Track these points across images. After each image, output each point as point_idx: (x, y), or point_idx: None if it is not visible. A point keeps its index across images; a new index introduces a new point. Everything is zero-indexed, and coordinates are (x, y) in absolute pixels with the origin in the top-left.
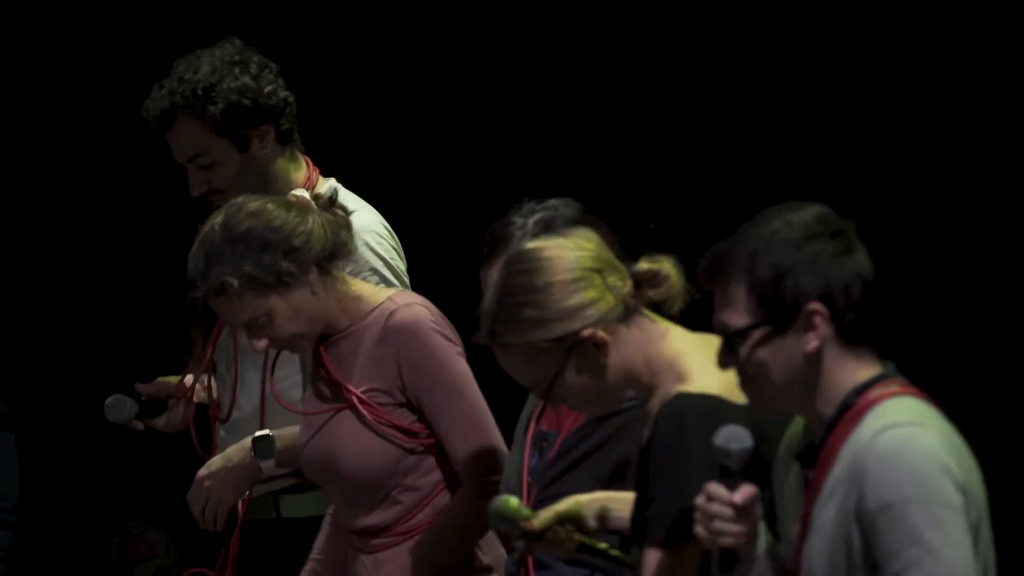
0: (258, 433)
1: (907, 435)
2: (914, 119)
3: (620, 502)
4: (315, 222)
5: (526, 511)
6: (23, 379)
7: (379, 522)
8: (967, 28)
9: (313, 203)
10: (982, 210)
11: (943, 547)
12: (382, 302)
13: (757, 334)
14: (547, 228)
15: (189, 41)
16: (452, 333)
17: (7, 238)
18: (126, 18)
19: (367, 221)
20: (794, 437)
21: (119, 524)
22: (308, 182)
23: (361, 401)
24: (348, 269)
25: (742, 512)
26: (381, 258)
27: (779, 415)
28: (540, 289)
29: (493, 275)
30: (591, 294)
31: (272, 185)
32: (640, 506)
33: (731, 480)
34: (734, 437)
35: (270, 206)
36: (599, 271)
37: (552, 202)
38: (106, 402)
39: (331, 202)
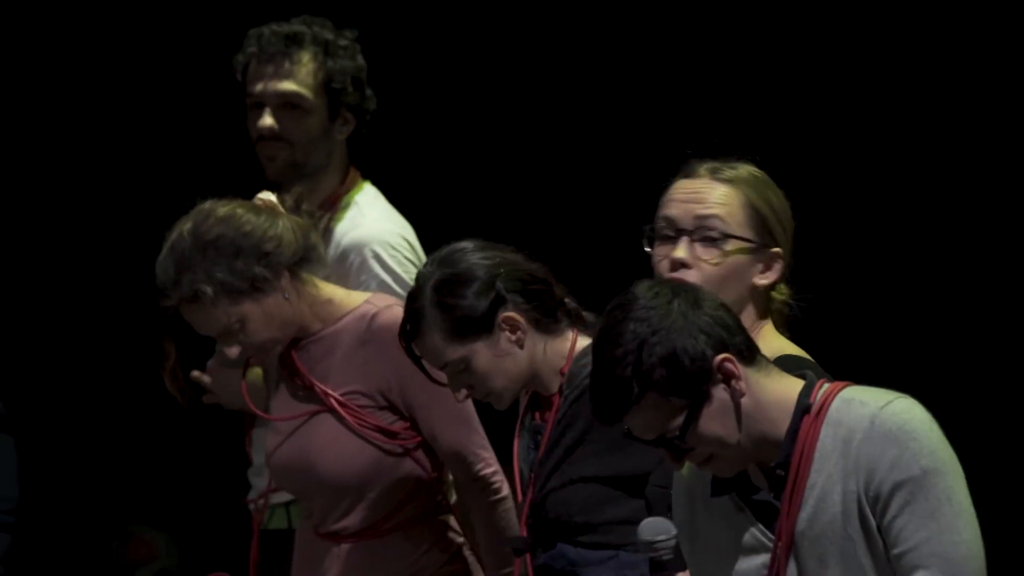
0: None
1: (907, 407)
2: (898, 124)
3: None
4: (284, 226)
5: None
6: (23, 381)
7: (352, 525)
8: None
9: (280, 206)
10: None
11: (957, 520)
12: (359, 305)
13: (695, 423)
14: (451, 285)
15: (189, 43)
16: None
17: (6, 240)
18: (127, 17)
19: (379, 232)
20: (686, 477)
21: (119, 526)
22: (345, 183)
23: (341, 404)
24: (361, 282)
25: None
26: (391, 271)
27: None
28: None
29: (427, 347)
30: None
31: (321, 175)
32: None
33: (664, 573)
34: (659, 529)
35: (239, 211)
36: None
37: (440, 255)
38: None
39: (297, 205)
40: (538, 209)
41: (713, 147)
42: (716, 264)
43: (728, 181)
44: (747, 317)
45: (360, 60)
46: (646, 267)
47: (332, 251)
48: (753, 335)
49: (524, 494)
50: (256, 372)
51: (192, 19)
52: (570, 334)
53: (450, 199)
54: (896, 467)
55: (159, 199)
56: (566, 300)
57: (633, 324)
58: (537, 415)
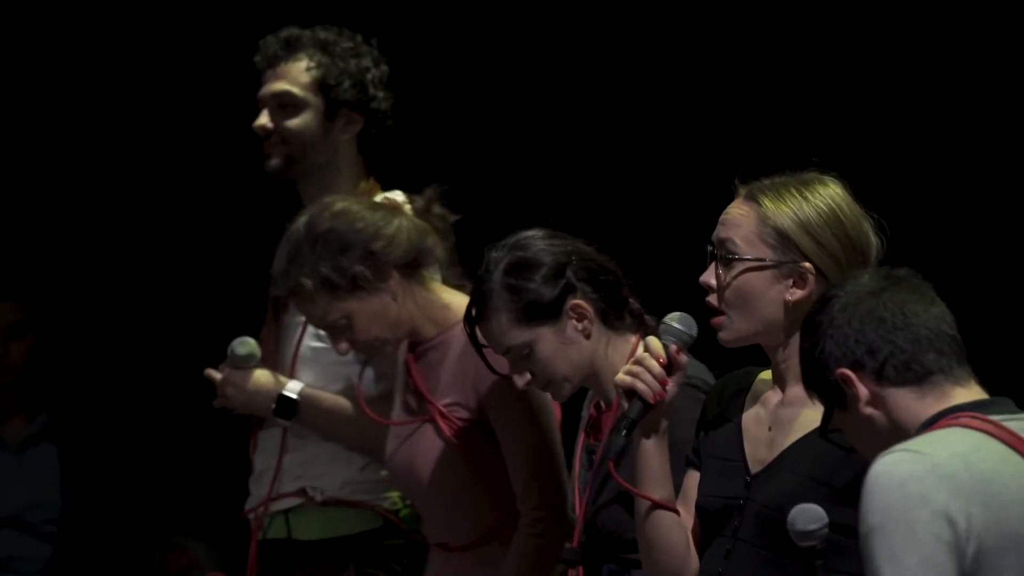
0: (289, 391)
1: (891, 462)
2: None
3: None
4: (400, 226)
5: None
6: (66, 391)
7: (454, 538)
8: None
9: (404, 206)
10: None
11: None
12: None
13: (836, 419)
14: (521, 268)
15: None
16: None
17: (50, 253)
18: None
19: None
20: None
21: (162, 536)
22: (362, 191)
23: (442, 415)
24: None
25: None
26: None
27: None
28: None
29: (492, 330)
30: None
31: (332, 175)
32: None
33: (818, 563)
34: (812, 517)
35: (355, 207)
36: None
37: (509, 240)
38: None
39: (427, 207)
40: (563, 217)
41: (769, 160)
42: (728, 284)
43: (754, 200)
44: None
45: (366, 62)
46: (673, 277)
47: None
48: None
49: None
50: (263, 376)
51: (213, 26)
52: (632, 337)
53: (473, 207)
54: (861, 517)
55: (203, 224)
56: (631, 300)
57: (815, 316)
58: (591, 436)
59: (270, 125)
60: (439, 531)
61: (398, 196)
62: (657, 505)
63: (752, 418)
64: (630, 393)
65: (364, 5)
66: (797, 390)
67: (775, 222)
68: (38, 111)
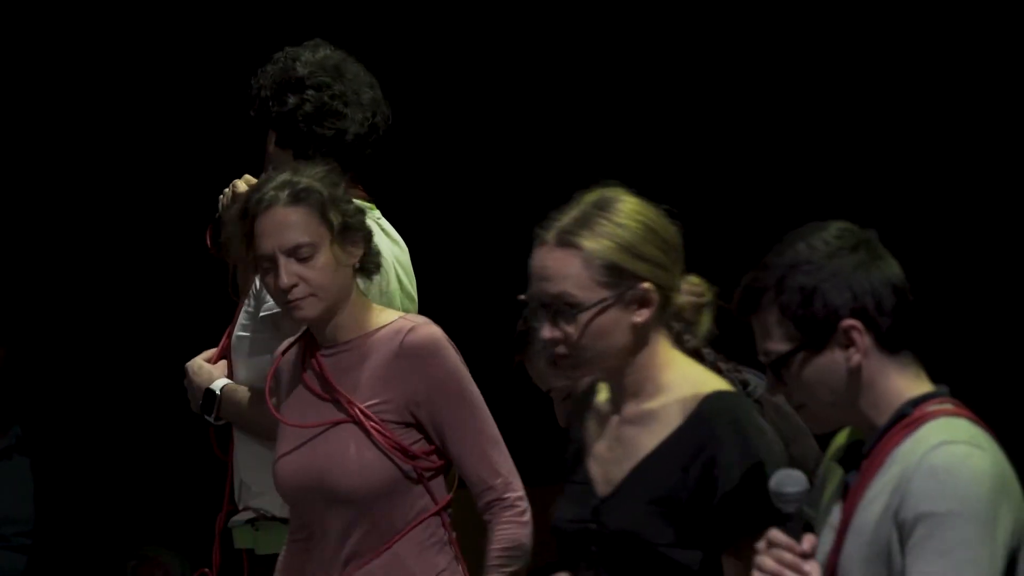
0: (214, 386)
1: (965, 453)
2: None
3: None
4: None
5: None
6: (39, 403)
7: (353, 546)
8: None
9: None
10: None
11: (967, 567)
12: (393, 320)
13: (798, 358)
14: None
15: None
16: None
17: (22, 266)
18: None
19: None
20: (840, 445)
21: (134, 547)
22: None
23: (364, 415)
24: None
25: (808, 557)
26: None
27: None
28: None
29: (535, 368)
30: None
31: None
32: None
33: (790, 524)
34: (787, 481)
35: None
36: None
37: None
38: None
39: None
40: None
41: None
42: (580, 334)
43: (568, 244)
44: (650, 356)
45: (273, 69)
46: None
47: None
48: (658, 369)
49: None
50: (203, 371)
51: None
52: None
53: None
54: (926, 498)
55: (176, 244)
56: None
57: (805, 245)
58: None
59: None
60: (335, 539)
61: None
62: None
63: (594, 437)
64: None
65: (361, 9)
66: (634, 408)
67: (602, 259)
68: (8, 127)
